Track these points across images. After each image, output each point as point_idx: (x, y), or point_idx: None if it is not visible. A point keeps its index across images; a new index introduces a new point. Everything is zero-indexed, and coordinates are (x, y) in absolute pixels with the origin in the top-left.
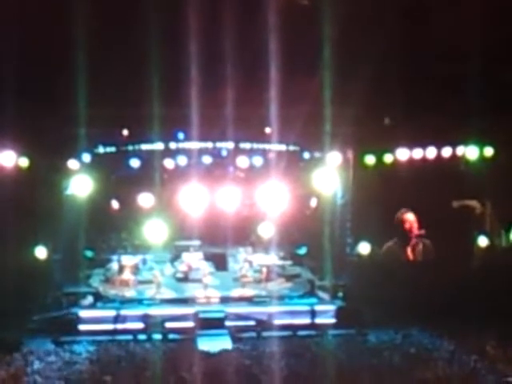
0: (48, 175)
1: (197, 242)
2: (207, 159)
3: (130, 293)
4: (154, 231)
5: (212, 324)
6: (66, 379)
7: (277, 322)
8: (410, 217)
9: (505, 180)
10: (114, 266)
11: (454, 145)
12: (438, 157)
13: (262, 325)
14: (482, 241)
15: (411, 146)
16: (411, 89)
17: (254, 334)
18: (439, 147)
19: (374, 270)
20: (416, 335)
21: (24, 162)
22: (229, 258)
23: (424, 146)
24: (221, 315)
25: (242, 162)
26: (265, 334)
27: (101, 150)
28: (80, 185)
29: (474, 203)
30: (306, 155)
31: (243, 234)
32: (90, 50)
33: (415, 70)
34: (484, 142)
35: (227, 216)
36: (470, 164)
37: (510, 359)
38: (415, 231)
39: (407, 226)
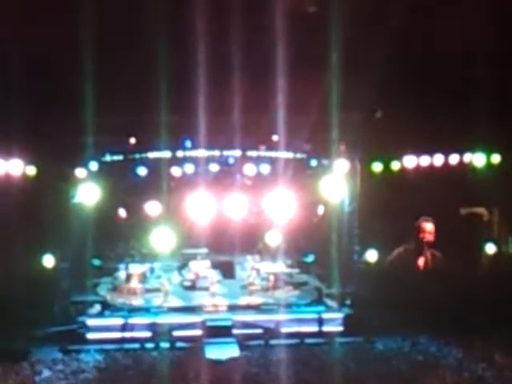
0: (55, 183)
1: (204, 250)
2: (214, 167)
3: (137, 301)
4: (162, 239)
5: (219, 332)
6: None
7: (284, 329)
8: (427, 226)
9: None
10: (122, 274)
11: (461, 152)
12: (446, 164)
13: (270, 333)
14: (490, 248)
15: (418, 153)
16: (418, 96)
17: (261, 342)
18: (446, 154)
19: (381, 278)
20: (424, 343)
21: (31, 171)
22: (236, 266)
23: (431, 153)
24: (228, 323)
25: (249, 169)
26: (272, 341)
27: (108, 158)
28: (87, 193)
29: (481, 210)
30: (314, 163)
31: (250, 241)
32: (97, 58)
33: (422, 77)
34: (491, 149)
35: (234, 224)
36: (478, 171)
37: None
38: (426, 240)
39: (421, 234)
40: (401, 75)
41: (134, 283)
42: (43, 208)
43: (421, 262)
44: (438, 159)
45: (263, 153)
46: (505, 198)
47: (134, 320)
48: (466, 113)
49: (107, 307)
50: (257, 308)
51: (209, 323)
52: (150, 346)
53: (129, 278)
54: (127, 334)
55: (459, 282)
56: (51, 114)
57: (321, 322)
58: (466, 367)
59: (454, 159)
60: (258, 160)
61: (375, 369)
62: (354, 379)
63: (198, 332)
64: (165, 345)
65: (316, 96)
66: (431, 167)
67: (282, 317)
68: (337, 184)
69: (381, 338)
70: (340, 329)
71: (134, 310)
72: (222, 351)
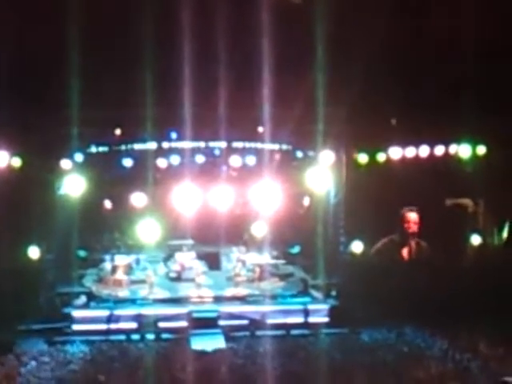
0: (41, 175)
1: (190, 242)
2: (200, 158)
3: (123, 293)
4: (147, 231)
5: (205, 323)
6: (59, 379)
7: (270, 321)
8: (411, 216)
9: (497, 178)
10: (107, 265)
11: (446, 143)
12: (431, 155)
13: (256, 324)
14: (475, 239)
15: (404, 144)
16: (404, 88)
17: (247, 333)
18: (432, 146)
19: (367, 269)
20: (409, 334)
21: (17, 162)
22: (222, 258)
23: (417, 144)
24: (214, 315)
25: (235, 161)
26: (258, 333)
27: (93, 149)
28: (73, 184)
29: (466, 201)
30: (299, 154)
31: (236, 233)
32: (82, 50)
33: (409, 70)
34: (476, 140)
35: (220, 215)
36: (463, 162)
37: (503, 358)
38: (411, 231)
39: (405, 224)
40: (387, 67)
41: (120, 274)
42: (28, 199)
43: (405, 252)
44: (424, 150)
45: (248, 144)
46: (490, 190)
47: (120, 311)
48: (452, 104)
49: (93, 298)
50: (242, 299)
51: (194, 314)
52: (135, 337)
53: (114, 269)
54: (113, 326)
55: (444, 273)
56: (37, 106)
57: (306, 313)
58: (451, 358)
59: (439, 150)
60: (243, 151)
61: (361, 360)
62: (339, 370)
63: (183, 323)
64: (150, 336)
65: (302, 87)
66: (417, 158)
67: (267, 308)
68: (322, 175)
69: (366, 329)
70: (326, 320)
71: (119, 302)
72: (208, 342)
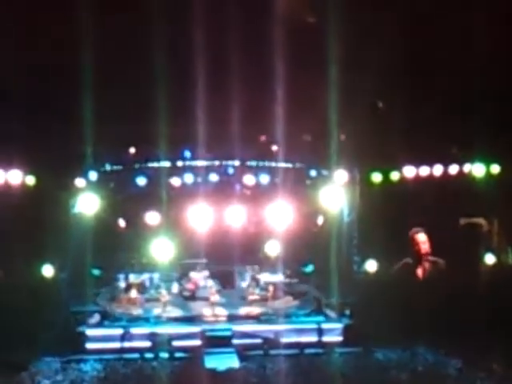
0: (55, 193)
1: (203, 260)
2: (214, 177)
3: (136, 311)
4: (161, 249)
5: (219, 342)
6: None
7: (284, 340)
8: (420, 237)
9: (511, 197)
10: (121, 284)
11: (460, 163)
12: (445, 174)
13: (269, 343)
14: (489, 258)
15: (418, 163)
16: (419, 106)
17: (260, 352)
18: (446, 165)
19: (381, 288)
20: (423, 353)
21: (31, 180)
22: (236, 276)
23: (431, 164)
24: (228, 333)
25: (249, 179)
26: (272, 352)
27: (107, 168)
28: (87, 203)
29: (480, 220)
30: (313, 173)
31: (250, 252)
32: (97, 68)
33: (422, 87)
34: (490, 159)
35: (234, 234)
36: (477, 181)
37: None
38: (424, 251)
39: (416, 246)
40: (400, 86)
41: (134, 293)
42: (42, 218)
43: (419, 272)
44: (438, 169)
45: (262, 163)
46: (504, 209)
47: (134, 330)
48: (466, 124)
49: (106, 317)
50: (256, 318)
51: (208, 333)
52: (149, 355)
53: (128, 287)
54: (126, 344)
55: (459, 292)
56: (51, 124)
57: (320, 332)
58: (466, 377)
59: (453, 169)
60: (257, 170)
61: (375, 379)
62: None
63: (197, 342)
64: (164, 355)
65: (316, 107)
66: (431, 177)
67: (281, 327)
68: (336, 194)
69: (380, 348)
70: (339, 339)
71: (133, 320)
72: (222, 361)
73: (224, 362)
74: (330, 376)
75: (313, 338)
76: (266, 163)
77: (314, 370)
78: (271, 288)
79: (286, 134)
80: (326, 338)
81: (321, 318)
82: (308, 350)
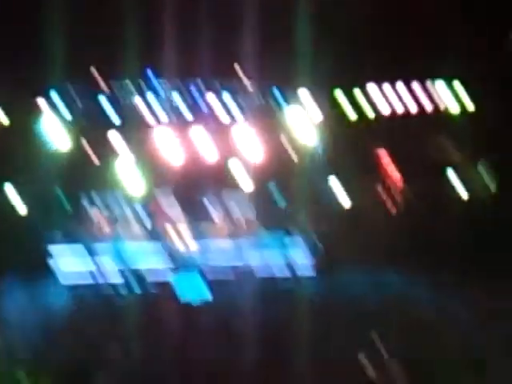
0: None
1: (172, 189)
2: (176, 96)
3: (106, 240)
4: (125, 171)
5: (190, 275)
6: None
7: (256, 273)
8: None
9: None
10: (91, 214)
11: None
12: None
13: (241, 276)
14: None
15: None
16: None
17: (233, 286)
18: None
19: (353, 218)
20: (393, 278)
21: None
22: (205, 207)
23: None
24: (199, 266)
25: (212, 99)
26: (244, 285)
27: (69, 87)
28: (49, 124)
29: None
30: (277, 92)
31: (220, 180)
32: None
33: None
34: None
35: (201, 161)
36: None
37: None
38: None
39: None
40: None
41: (103, 223)
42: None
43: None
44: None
45: (226, 82)
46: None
47: (104, 260)
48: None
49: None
50: (228, 250)
51: (180, 266)
52: (119, 286)
53: (98, 218)
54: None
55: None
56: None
57: (292, 264)
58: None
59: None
60: (220, 88)
61: (345, 304)
62: (324, 316)
63: (168, 275)
64: (135, 288)
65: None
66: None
67: (254, 260)
68: (302, 115)
69: (351, 275)
70: (311, 270)
71: (96, 239)
72: (194, 295)
73: (196, 295)
74: (301, 304)
75: (284, 271)
76: (230, 82)
77: (285, 300)
78: (243, 218)
79: (250, 52)
80: (297, 268)
81: (294, 248)
82: (280, 282)
